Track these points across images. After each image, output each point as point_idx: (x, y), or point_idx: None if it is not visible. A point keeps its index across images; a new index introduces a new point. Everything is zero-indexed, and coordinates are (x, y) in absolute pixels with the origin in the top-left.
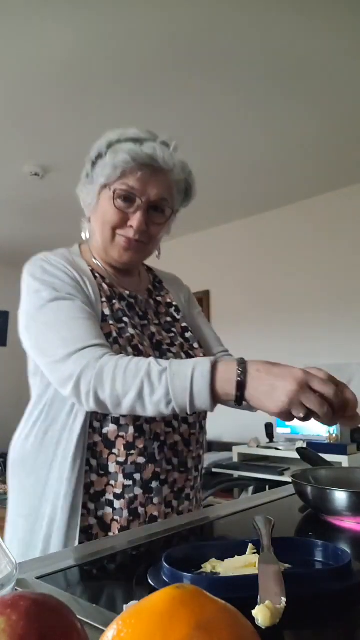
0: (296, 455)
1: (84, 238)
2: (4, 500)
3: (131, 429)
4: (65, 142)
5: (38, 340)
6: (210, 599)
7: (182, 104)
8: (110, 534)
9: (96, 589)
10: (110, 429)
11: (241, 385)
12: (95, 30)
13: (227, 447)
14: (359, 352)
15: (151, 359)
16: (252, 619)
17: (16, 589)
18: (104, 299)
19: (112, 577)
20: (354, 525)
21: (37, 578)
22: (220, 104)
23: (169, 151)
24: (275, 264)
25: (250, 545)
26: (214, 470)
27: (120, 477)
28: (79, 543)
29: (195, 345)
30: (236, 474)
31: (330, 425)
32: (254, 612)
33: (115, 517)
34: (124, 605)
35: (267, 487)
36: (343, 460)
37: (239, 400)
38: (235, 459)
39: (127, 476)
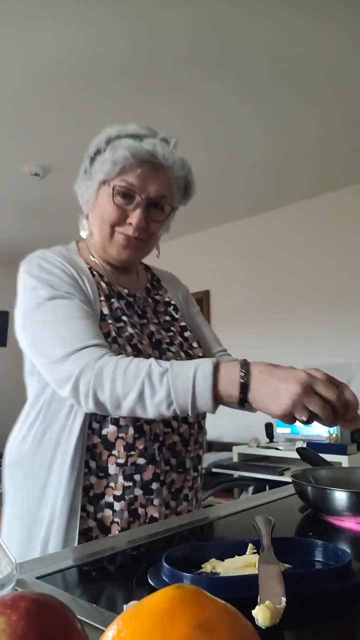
0: (296, 455)
1: (82, 236)
2: None
3: (131, 430)
4: (65, 142)
5: (35, 340)
6: (210, 599)
7: (182, 103)
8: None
9: (96, 589)
10: (109, 430)
11: (244, 387)
12: (95, 30)
13: (227, 447)
14: (359, 352)
15: (152, 359)
16: (252, 619)
17: (16, 589)
18: (102, 298)
19: (112, 577)
20: (354, 525)
21: (37, 578)
22: (220, 104)
23: (169, 148)
24: (275, 263)
25: (250, 545)
26: (214, 470)
27: (120, 478)
28: None
29: (195, 344)
30: (236, 474)
31: (330, 426)
32: (254, 612)
33: (115, 519)
34: (124, 606)
35: (267, 487)
36: (343, 460)
37: (242, 402)
38: (235, 459)
39: (127, 477)
